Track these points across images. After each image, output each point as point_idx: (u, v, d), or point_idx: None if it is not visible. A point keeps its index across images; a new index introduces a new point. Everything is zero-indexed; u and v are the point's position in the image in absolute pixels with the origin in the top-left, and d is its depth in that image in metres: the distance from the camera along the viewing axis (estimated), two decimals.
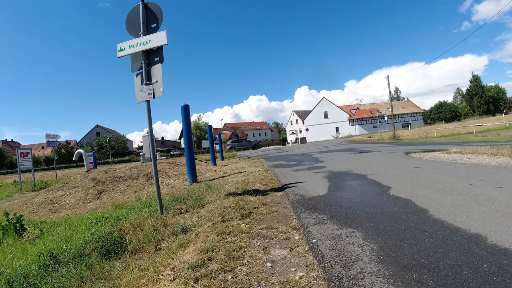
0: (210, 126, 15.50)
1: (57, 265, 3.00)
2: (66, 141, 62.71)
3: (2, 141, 75.78)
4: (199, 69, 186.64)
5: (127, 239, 3.32)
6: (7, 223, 5.18)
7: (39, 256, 3.20)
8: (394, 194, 4.01)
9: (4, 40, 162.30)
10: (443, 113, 73.03)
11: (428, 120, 70.98)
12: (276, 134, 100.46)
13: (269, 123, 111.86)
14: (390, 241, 2.42)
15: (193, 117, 79.67)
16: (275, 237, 2.86)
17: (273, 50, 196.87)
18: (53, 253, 3.21)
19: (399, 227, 2.71)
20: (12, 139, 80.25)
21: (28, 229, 5.18)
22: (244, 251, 2.59)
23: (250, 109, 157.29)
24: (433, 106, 79.00)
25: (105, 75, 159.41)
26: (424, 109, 74.07)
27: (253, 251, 2.58)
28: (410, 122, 63.17)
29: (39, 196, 8.93)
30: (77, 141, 74.03)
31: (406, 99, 79.46)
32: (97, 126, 78.67)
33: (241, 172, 8.31)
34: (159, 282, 2.26)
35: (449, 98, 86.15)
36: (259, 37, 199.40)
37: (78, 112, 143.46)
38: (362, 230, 2.75)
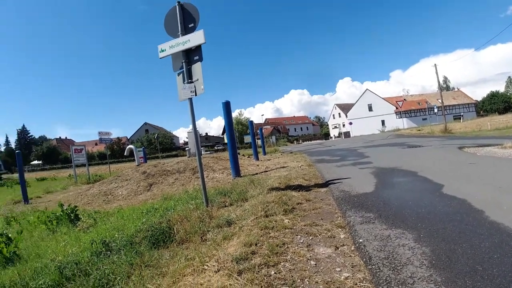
0: (252, 121, 15.62)
1: (108, 252, 3.15)
2: (118, 137, 67.06)
3: (56, 139, 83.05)
4: (241, 65, 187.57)
5: (175, 229, 3.45)
6: (61, 213, 5.46)
7: (92, 243, 3.37)
8: (447, 193, 3.74)
9: (60, 41, 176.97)
10: (496, 104, 66.20)
11: (481, 112, 64.82)
12: (318, 129, 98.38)
13: (310, 118, 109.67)
14: (443, 244, 2.27)
15: (235, 113, 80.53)
16: (319, 235, 2.80)
17: (312, 41, 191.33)
18: (105, 240, 3.36)
19: (453, 229, 2.53)
20: (66, 137, 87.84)
21: (82, 218, 5.45)
22: (288, 247, 2.58)
23: (292, 104, 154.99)
24: (485, 96, 71.91)
25: (151, 74, 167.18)
26: (476, 100, 67.48)
27: (296, 247, 2.55)
28: (462, 114, 58.14)
29: (94, 188, 9.67)
30: (128, 138, 78.86)
31: (456, 89, 72.79)
32: (145, 123, 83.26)
33: (283, 167, 8.28)
34: (204, 272, 2.33)
35: (502, 88, 77.58)
36: (298, 30, 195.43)
37: (128, 110, 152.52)
38: (413, 231, 2.60)
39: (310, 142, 52.73)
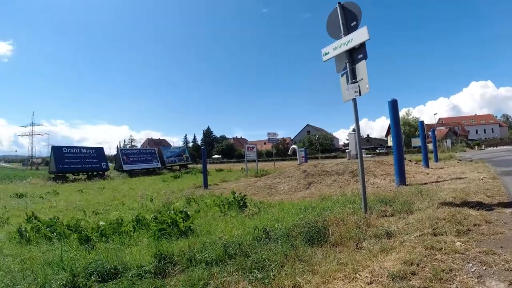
0: (422, 122, 13.73)
1: (267, 239, 3.42)
2: (283, 138, 73.18)
3: (233, 138, 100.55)
4: (405, 59, 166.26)
5: (329, 230, 3.45)
6: (233, 199, 6.20)
7: (255, 229, 3.71)
8: None
9: (242, 60, 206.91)
10: None
11: None
12: (506, 131, 76.53)
13: (496, 117, 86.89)
14: None
15: (402, 112, 72.15)
16: (495, 266, 2.31)
17: (495, 19, 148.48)
18: (266, 228, 3.66)
19: None
20: (241, 136, 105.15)
21: (248, 206, 6.05)
22: (455, 274, 2.23)
23: (472, 99, 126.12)
24: None
25: (314, 78, 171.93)
26: None
27: (465, 276, 2.18)
28: None
29: (260, 181, 10.85)
30: (291, 138, 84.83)
31: None
32: (307, 125, 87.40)
33: (460, 178, 6.96)
34: (355, 281, 2.25)
35: None
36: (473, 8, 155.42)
37: (292, 112, 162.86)
38: None
39: (495, 148, 41.69)
